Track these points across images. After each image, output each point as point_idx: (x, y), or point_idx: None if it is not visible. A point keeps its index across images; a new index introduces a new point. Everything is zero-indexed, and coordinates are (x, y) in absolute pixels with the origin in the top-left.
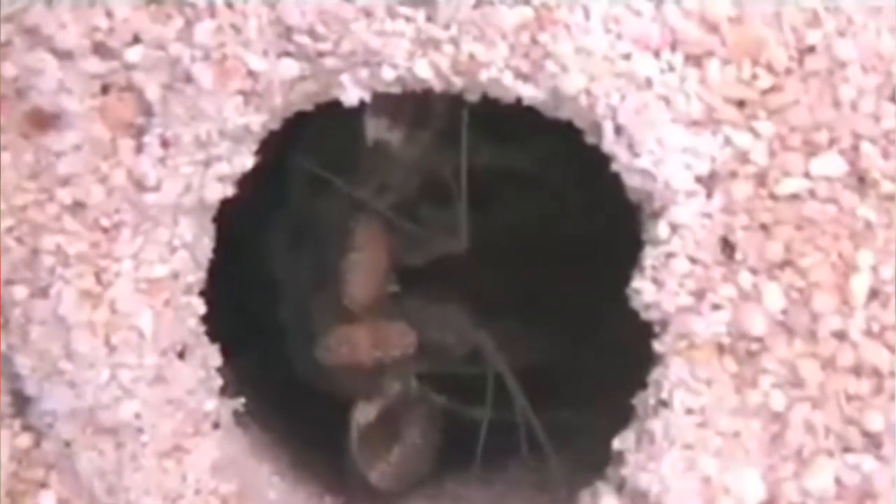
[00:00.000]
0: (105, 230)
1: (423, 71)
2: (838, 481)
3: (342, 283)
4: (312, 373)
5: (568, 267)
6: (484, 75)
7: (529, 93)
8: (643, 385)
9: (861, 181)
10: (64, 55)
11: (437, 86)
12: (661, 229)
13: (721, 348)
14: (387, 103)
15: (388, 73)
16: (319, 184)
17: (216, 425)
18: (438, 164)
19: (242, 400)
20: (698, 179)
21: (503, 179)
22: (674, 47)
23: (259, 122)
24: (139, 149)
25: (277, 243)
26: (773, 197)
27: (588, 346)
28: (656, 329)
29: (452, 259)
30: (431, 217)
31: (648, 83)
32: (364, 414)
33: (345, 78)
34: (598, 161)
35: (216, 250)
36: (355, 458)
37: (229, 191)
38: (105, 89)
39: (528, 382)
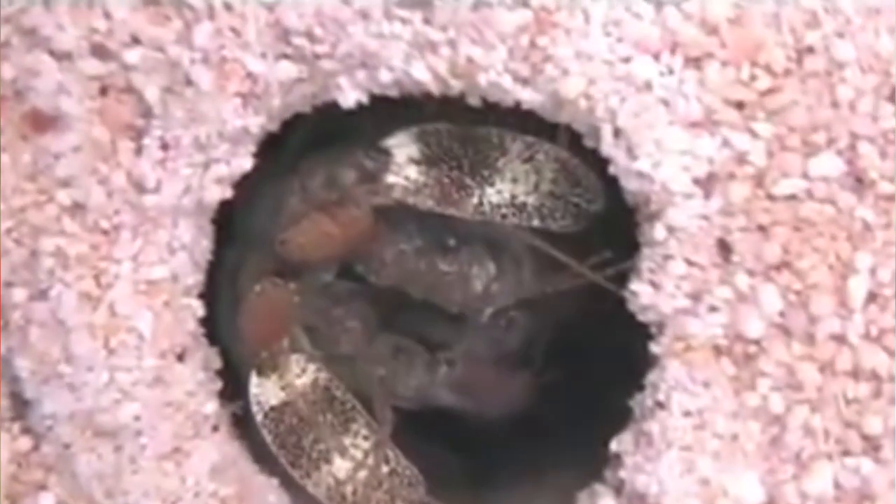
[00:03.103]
0: (104, 232)
1: (421, 73)
2: (837, 484)
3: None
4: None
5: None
6: (482, 78)
7: (528, 96)
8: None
9: (859, 182)
10: (62, 56)
11: (435, 88)
12: (658, 231)
13: (718, 350)
14: (438, 153)
15: (385, 76)
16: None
17: (216, 428)
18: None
19: (241, 403)
20: (696, 181)
21: None
22: (673, 50)
23: (257, 123)
24: (139, 151)
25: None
26: (770, 198)
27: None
28: (653, 331)
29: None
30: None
31: (648, 86)
32: (263, 390)
33: (342, 80)
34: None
35: (215, 252)
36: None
37: (227, 192)
38: (104, 91)
39: None
